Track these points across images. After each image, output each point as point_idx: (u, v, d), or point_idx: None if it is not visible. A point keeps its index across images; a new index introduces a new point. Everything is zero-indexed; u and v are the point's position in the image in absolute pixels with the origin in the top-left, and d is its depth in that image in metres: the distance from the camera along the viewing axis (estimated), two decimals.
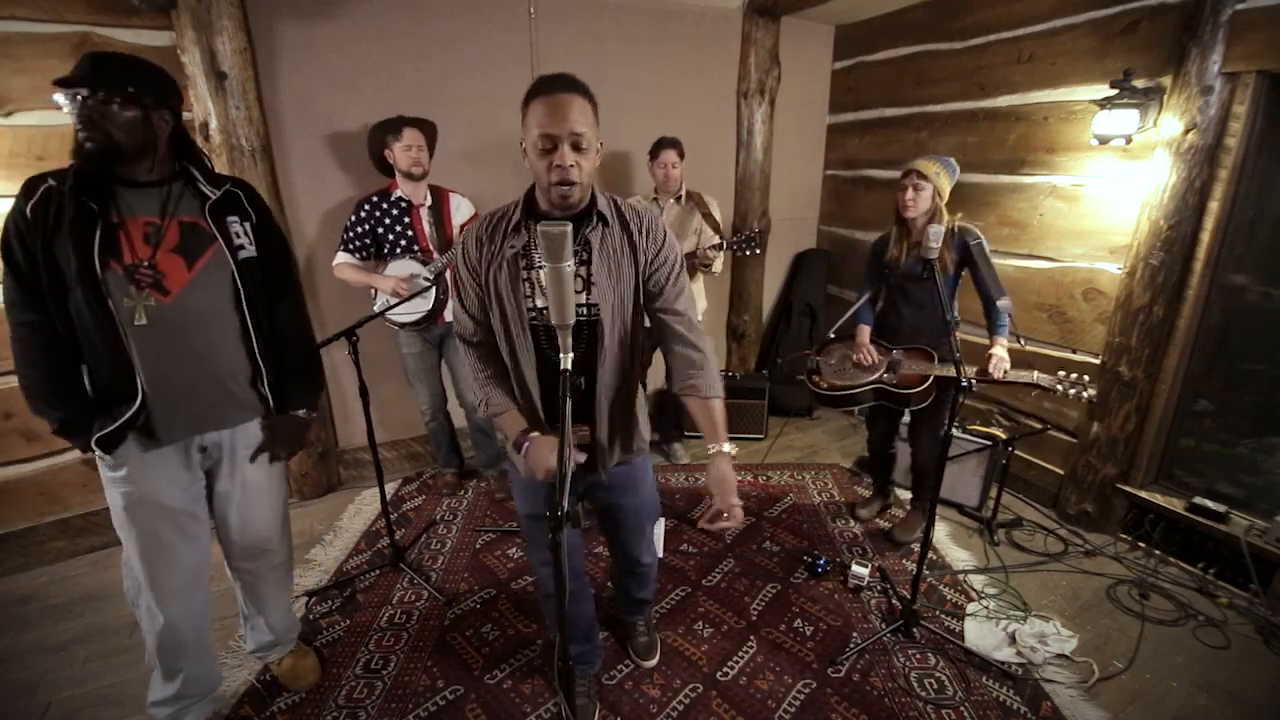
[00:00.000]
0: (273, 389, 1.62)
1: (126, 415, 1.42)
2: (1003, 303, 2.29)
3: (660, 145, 2.89)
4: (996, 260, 3.05)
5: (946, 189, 2.30)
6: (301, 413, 1.69)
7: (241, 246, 1.53)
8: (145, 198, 1.43)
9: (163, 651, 1.62)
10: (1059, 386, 2.17)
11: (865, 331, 2.56)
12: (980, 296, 2.33)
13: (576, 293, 1.28)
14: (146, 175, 1.43)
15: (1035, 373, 2.23)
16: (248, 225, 1.56)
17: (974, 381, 1.89)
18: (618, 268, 1.38)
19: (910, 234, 2.37)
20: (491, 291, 1.39)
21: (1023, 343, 2.26)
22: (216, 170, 1.58)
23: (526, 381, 1.44)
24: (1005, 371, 2.26)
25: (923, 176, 2.26)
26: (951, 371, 2.27)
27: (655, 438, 3.48)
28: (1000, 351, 2.28)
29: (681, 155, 2.91)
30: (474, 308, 1.45)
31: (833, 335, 2.73)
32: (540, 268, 1.31)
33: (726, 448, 1.41)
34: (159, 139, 1.42)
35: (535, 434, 1.39)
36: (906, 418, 2.73)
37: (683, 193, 3.00)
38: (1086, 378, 2.15)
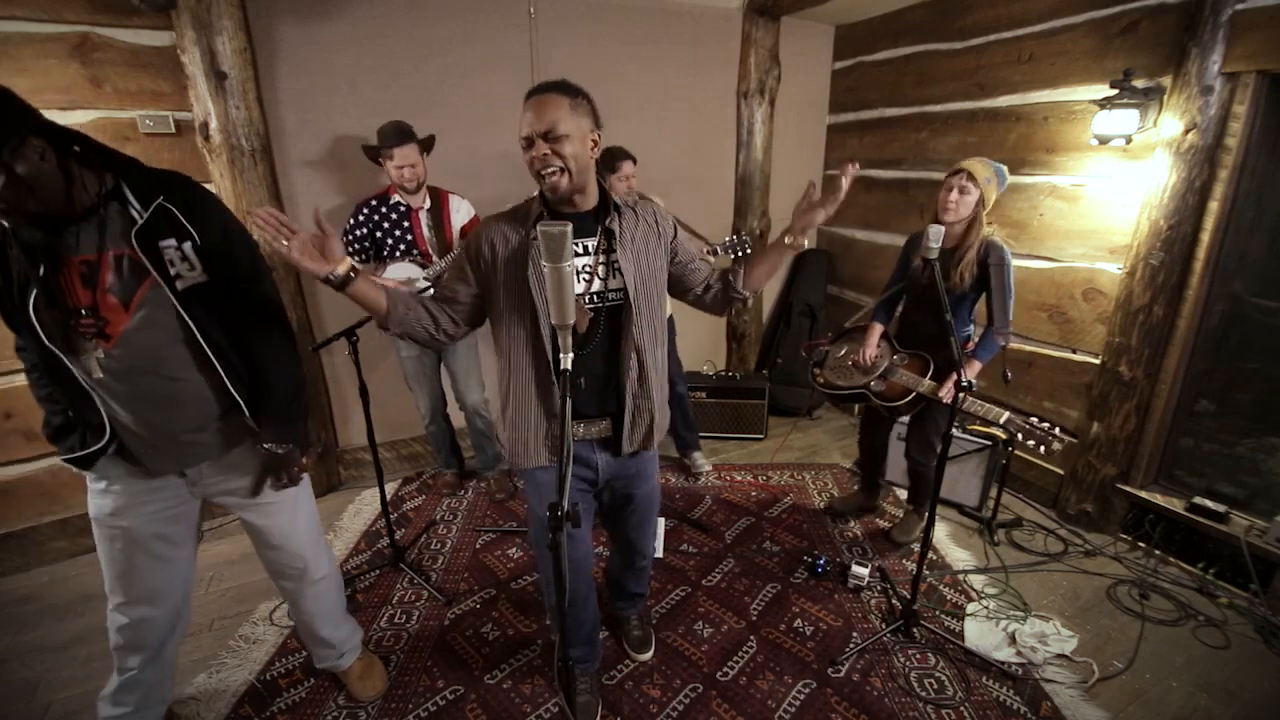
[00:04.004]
0: (256, 418, 1.48)
1: (96, 447, 1.37)
2: (1001, 337, 2.19)
3: (618, 157, 2.72)
4: None
5: (993, 199, 2.19)
6: (268, 446, 1.50)
7: (179, 275, 1.31)
8: (80, 231, 1.25)
9: (118, 649, 1.58)
10: (1019, 436, 2.03)
11: (876, 331, 2.52)
12: (986, 317, 2.28)
13: (602, 278, 1.44)
14: (68, 208, 1.23)
15: (1005, 413, 2.08)
16: (188, 246, 1.32)
17: (973, 383, 1.87)
18: (641, 252, 1.49)
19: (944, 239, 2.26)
20: (514, 286, 1.43)
21: (1008, 378, 2.18)
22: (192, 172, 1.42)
23: (550, 372, 1.46)
24: (952, 398, 2.06)
25: (972, 179, 2.13)
26: (937, 390, 2.23)
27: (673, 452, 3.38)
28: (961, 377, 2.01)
29: (635, 164, 2.77)
30: (454, 282, 1.49)
31: (848, 326, 2.68)
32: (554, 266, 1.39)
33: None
34: (47, 174, 1.17)
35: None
36: (905, 418, 2.72)
37: (636, 201, 2.92)
38: (1059, 430, 1.99)
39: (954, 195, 2.16)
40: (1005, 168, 2.23)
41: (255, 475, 1.55)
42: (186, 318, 1.32)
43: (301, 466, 1.61)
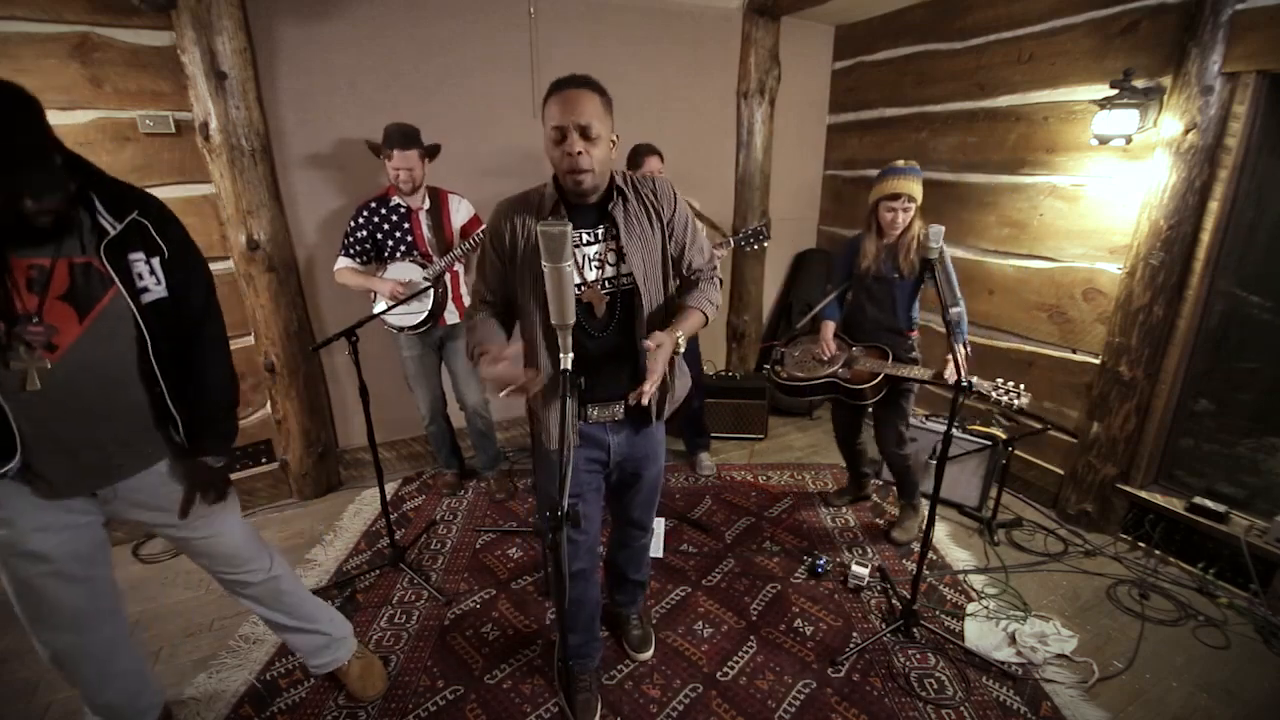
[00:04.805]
0: (187, 433, 1.44)
1: (1, 470, 1.25)
2: (954, 310, 2.31)
3: (644, 153, 2.76)
4: (997, 260, 3.09)
5: (920, 194, 2.35)
6: (209, 460, 1.47)
7: (145, 289, 1.31)
8: (31, 234, 1.19)
9: (65, 679, 1.51)
10: (993, 394, 2.14)
11: (830, 327, 2.62)
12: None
13: (613, 265, 1.47)
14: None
15: (973, 377, 2.17)
16: (156, 261, 1.32)
17: (972, 383, 1.90)
18: (644, 236, 1.49)
19: (884, 243, 2.43)
20: (529, 270, 1.44)
21: (967, 350, 2.34)
22: (144, 186, 1.39)
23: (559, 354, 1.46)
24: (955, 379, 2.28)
25: (913, 200, 2.31)
26: (902, 371, 2.38)
27: (681, 447, 3.41)
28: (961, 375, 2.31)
29: (663, 160, 2.80)
30: (494, 282, 1.53)
31: (798, 328, 2.81)
32: (580, 247, 1.43)
33: (679, 334, 1.45)
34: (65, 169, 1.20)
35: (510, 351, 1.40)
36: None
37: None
38: (1022, 386, 2.12)
39: (900, 218, 2.34)
40: (914, 161, 2.37)
41: (182, 492, 1.48)
42: (144, 330, 1.30)
43: (228, 481, 1.57)
